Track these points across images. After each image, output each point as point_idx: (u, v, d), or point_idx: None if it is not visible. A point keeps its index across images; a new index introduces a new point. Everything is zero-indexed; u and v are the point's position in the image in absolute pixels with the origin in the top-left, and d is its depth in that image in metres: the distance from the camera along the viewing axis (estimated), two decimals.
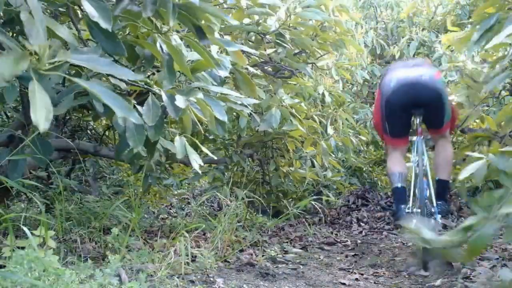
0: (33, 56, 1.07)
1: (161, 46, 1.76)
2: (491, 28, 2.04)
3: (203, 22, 1.85)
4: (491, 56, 3.12)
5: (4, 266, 1.66)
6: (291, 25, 3.18)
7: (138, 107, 1.83)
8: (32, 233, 1.83)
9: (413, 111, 2.80)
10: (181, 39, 1.90)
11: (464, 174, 1.49)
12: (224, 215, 2.96)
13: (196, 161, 2.09)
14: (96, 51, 1.57)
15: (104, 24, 1.42)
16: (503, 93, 3.68)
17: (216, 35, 2.15)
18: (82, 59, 1.15)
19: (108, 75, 1.59)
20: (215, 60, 1.88)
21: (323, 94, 4.11)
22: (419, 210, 2.72)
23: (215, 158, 3.53)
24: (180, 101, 1.72)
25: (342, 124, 4.31)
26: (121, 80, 1.78)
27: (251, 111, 2.64)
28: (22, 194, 3.53)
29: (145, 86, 1.90)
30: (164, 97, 1.79)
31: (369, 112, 6.07)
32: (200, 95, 1.84)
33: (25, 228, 1.79)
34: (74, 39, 1.56)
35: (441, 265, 2.66)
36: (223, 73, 2.13)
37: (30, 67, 1.03)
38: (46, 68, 1.08)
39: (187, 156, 2.08)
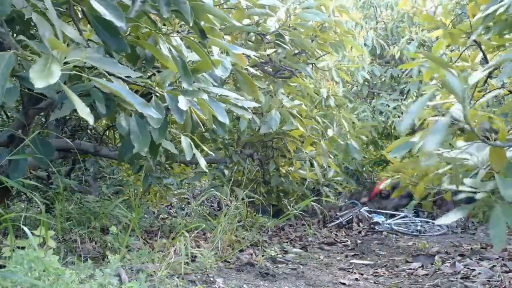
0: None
1: (169, 48, 1.76)
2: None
3: (202, 23, 1.85)
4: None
5: (4, 266, 1.67)
6: (291, 25, 3.18)
7: None
8: (32, 233, 1.83)
9: None
10: (181, 39, 1.90)
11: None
12: (224, 215, 2.96)
13: (202, 161, 2.09)
14: (98, 51, 1.57)
15: (118, 23, 1.42)
16: (502, 91, 3.66)
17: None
18: (95, 59, 1.17)
19: (110, 74, 1.59)
20: (213, 61, 1.88)
21: (327, 98, 4.10)
22: None
23: (214, 155, 3.54)
24: (182, 102, 1.72)
25: (347, 124, 4.30)
26: (123, 81, 1.79)
27: (252, 113, 2.64)
28: (22, 194, 3.53)
29: (148, 87, 1.90)
30: (168, 99, 1.79)
31: (368, 108, 6.07)
32: (204, 96, 1.83)
33: (25, 228, 1.79)
34: (83, 39, 1.56)
35: None
36: (224, 74, 2.13)
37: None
38: (62, 68, 1.09)
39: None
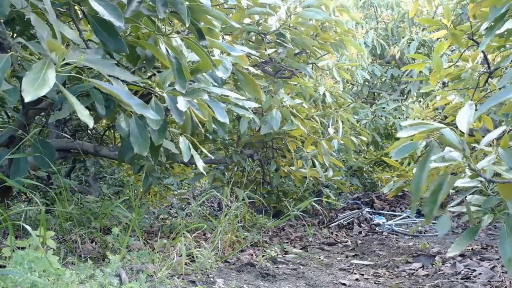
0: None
1: (166, 49, 1.75)
2: (503, 16, 1.95)
3: (202, 24, 1.85)
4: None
5: (4, 266, 1.66)
6: (291, 25, 3.18)
7: None
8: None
9: None
10: (181, 40, 1.89)
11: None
12: (225, 216, 2.95)
13: (200, 163, 2.09)
14: (98, 52, 1.57)
15: (117, 23, 1.42)
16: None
17: None
18: (93, 61, 1.17)
19: (109, 75, 1.59)
20: (214, 62, 1.87)
21: (324, 95, 4.10)
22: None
23: (213, 158, 3.53)
24: (181, 103, 1.71)
25: (343, 124, 4.30)
26: (122, 81, 1.79)
27: (252, 113, 2.63)
28: (22, 194, 3.53)
29: (147, 88, 1.89)
30: (168, 100, 1.78)
31: (369, 112, 6.07)
32: (205, 96, 1.83)
33: (27, 227, 1.78)
34: (81, 40, 1.56)
35: None
36: (225, 75, 2.12)
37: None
38: (59, 70, 1.09)
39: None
